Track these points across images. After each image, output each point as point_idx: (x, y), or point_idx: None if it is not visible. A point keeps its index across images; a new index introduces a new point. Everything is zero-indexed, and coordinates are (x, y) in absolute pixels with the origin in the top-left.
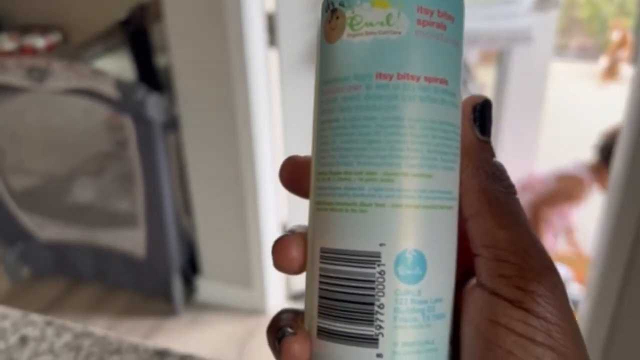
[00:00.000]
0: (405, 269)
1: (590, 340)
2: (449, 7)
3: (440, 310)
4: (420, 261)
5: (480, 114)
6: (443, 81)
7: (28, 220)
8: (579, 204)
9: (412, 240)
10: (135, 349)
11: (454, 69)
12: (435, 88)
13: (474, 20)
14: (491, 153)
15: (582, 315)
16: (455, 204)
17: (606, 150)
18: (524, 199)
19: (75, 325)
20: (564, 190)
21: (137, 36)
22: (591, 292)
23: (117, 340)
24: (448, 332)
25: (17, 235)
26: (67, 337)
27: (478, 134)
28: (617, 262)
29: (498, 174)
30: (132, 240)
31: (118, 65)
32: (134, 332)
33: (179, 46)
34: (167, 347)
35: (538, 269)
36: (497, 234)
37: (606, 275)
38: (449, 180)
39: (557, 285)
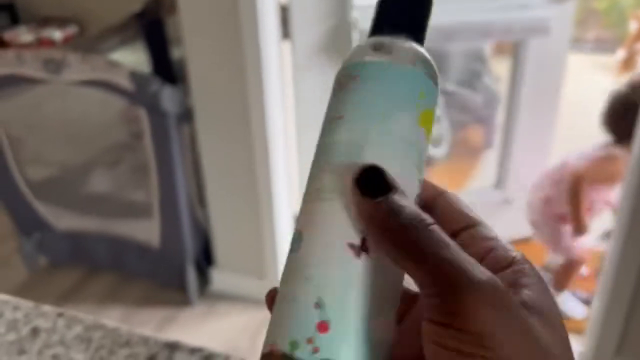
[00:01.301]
0: None
1: (605, 331)
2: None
3: None
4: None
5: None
6: None
7: (45, 210)
8: (616, 185)
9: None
10: (145, 341)
11: None
12: None
13: (489, 12)
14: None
15: (597, 306)
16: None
17: (612, 113)
18: (559, 189)
19: (87, 317)
20: (606, 170)
21: (152, 28)
22: (606, 285)
23: (127, 333)
24: None
25: (34, 225)
26: (78, 329)
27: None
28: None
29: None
30: (147, 231)
31: (134, 58)
32: (149, 321)
33: (193, 38)
34: (178, 339)
35: (460, 288)
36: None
37: (621, 268)
38: None
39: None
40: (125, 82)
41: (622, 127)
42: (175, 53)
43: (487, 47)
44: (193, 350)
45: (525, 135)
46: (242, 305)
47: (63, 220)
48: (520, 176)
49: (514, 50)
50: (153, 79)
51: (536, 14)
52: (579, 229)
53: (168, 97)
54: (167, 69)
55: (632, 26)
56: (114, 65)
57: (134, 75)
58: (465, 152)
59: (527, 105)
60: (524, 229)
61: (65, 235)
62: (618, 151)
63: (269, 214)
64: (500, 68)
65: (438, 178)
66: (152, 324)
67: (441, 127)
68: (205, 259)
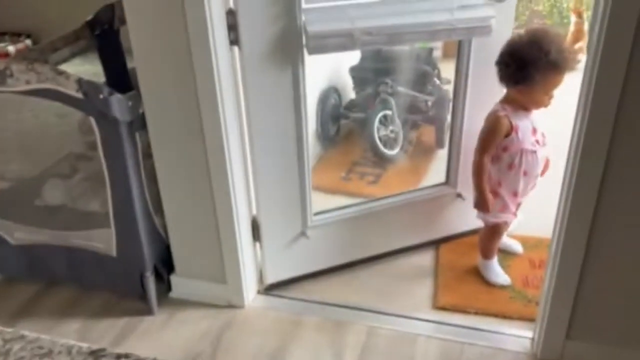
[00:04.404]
0: None
1: (554, 317)
2: None
3: None
4: None
5: None
6: None
7: None
8: (507, 134)
9: None
10: (68, 350)
11: None
12: None
13: (434, 13)
14: None
15: (545, 293)
16: None
17: (504, 58)
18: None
19: (6, 329)
20: (485, 130)
21: (106, 37)
22: (553, 271)
23: (50, 343)
24: None
25: None
26: None
27: None
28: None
29: None
30: (104, 241)
31: (90, 68)
32: (108, 332)
33: (141, 46)
34: (135, 349)
35: None
36: None
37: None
38: None
39: None
40: (73, 90)
41: (508, 72)
42: (131, 62)
43: (438, 50)
44: (119, 356)
45: (473, 133)
46: (204, 310)
47: (18, 234)
48: (469, 173)
49: (458, 51)
50: (101, 86)
51: (478, 13)
52: (481, 204)
53: (117, 104)
54: (122, 77)
55: (572, 20)
56: (61, 73)
57: (82, 83)
58: (419, 152)
59: (473, 105)
60: (473, 222)
61: (20, 249)
62: (497, 106)
63: (228, 218)
64: (449, 71)
65: (393, 177)
66: (111, 335)
67: (395, 128)
68: (167, 266)
